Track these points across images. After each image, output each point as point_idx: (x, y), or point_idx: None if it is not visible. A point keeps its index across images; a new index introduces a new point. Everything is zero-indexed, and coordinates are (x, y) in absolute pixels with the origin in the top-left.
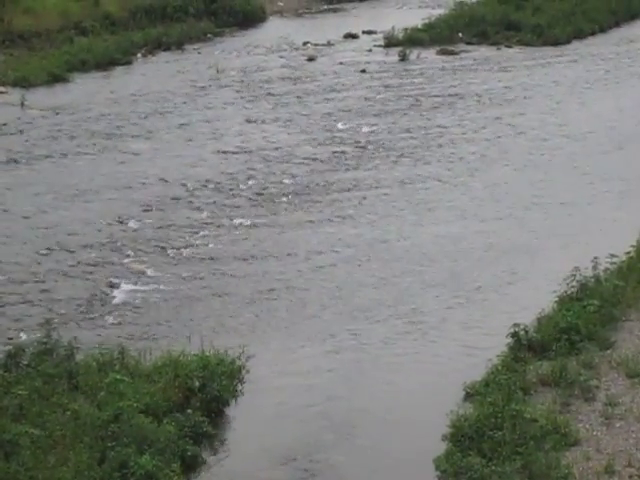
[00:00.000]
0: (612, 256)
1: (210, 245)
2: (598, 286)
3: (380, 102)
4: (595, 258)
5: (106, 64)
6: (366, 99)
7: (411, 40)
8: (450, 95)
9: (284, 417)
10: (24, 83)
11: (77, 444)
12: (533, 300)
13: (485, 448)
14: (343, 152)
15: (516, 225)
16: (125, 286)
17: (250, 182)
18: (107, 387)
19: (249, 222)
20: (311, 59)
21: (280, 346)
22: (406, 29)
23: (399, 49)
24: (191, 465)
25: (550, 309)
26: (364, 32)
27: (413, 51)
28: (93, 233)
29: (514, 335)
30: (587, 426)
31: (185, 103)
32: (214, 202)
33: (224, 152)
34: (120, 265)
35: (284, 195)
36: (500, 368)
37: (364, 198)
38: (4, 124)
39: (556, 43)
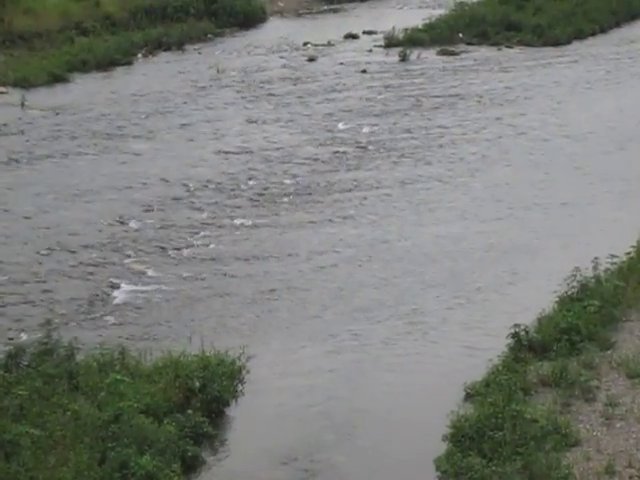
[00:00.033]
0: (612, 256)
1: (211, 245)
2: (598, 286)
3: (381, 102)
4: (595, 258)
5: (106, 64)
6: (367, 99)
7: (411, 40)
8: (451, 95)
9: (284, 417)
10: (24, 83)
11: (77, 444)
12: (534, 300)
13: (485, 448)
14: (344, 152)
15: (517, 225)
16: (126, 286)
17: (251, 182)
18: (107, 387)
19: (250, 222)
20: (311, 59)
21: (281, 346)
22: (406, 29)
23: (399, 49)
24: (191, 465)
25: (550, 309)
26: (364, 32)
27: (413, 51)
28: (94, 233)
29: (514, 335)
30: (587, 426)
31: (186, 103)
32: (215, 202)
33: (225, 152)
34: (121, 265)
35: (285, 195)
36: (500, 368)
37: (365, 198)
38: (4, 124)
39: (556, 43)
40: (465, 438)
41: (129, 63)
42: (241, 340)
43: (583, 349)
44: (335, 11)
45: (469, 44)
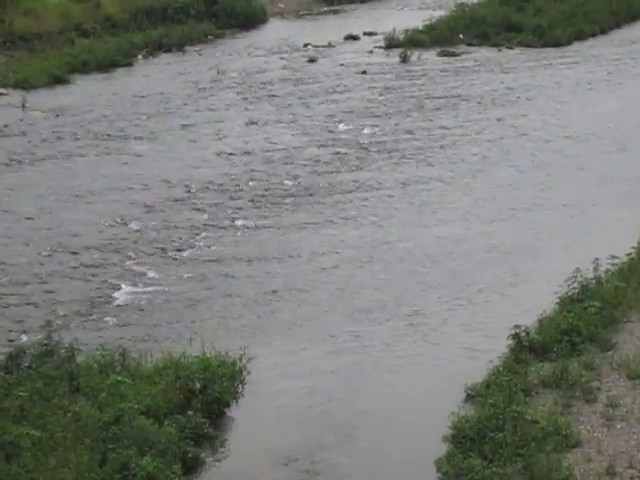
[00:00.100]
0: (613, 257)
1: (212, 247)
2: (599, 287)
3: (381, 103)
4: (596, 259)
5: (107, 66)
6: (367, 100)
7: (412, 41)
8: (452, 96)
9: (285, 418)
10: (25, 85)
11: (78, 446)
12: (535, 301)
13: (486, 449)
14: (345, 153)
15: (518, 226)
16: (126, 288)
17: (252, 183)
18: (108, 389)
19: (251, 223)
20: (312, 60)
21: (282, 347)
22: (407, 30)
23: (400, 50)
24: (192, 467)
25: (551, 310)
26: (365, 33)
27: (414, 52)
28: (95, 234)
29: (515, 336)
30: (588, 427)
31: (186, 104)
32: (216, 203)
33: (226, 153)
34: (122, 267)
35: (286, 196)
36: (501, 369)
37: (366, 199)
38: (5, 125)
39: (557, 44)
40: (466, 439)
41: (129, 64)
42: (242, 341)
43: (584, 350)
44: (335, 12)
45: (469, 45)
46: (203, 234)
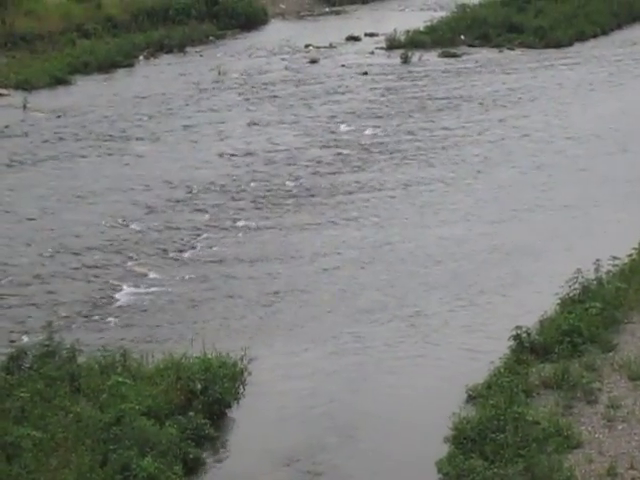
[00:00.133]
0: (614, 258)
1: (214, 247)
2: (600, 288)
3: (383, 104)
4: (597, 260)
5: (108, 66)
6: (369, 101)
7: (413, 42)
8: (453, 97)
9: (286, 419)
10: (26, 85)
11: (79, 446)
12: (536, 302)
13: (487, 450)
14: (347, 154)
15: (520, 227)
16: (128, 289)
17: (254, 184)
18: (109, 389)
19: (253, 224)
20: (313, 61)
21: (283, 348)
22: (408, 31)
23: (401, 51)
24: (193, 468)
25: (552, 311)
26: (366, 34)
27: (415, 53)
28: (96, 235)
29: (516, 337)
30: (589, 428)
31: (188, 105)
32: (218, 204)
33: (227, 154)
34: (123, 267)
35: (288, 197)
36: (502, 370)
37: (368, 200)
38: (7, 126)
39: (558, 45)
40: (467, 440)
41: (131, 65)
42: (243, 342)
43: (585, 351)
44: (336, 13)
45: (471, 46)
46: (205, 235)
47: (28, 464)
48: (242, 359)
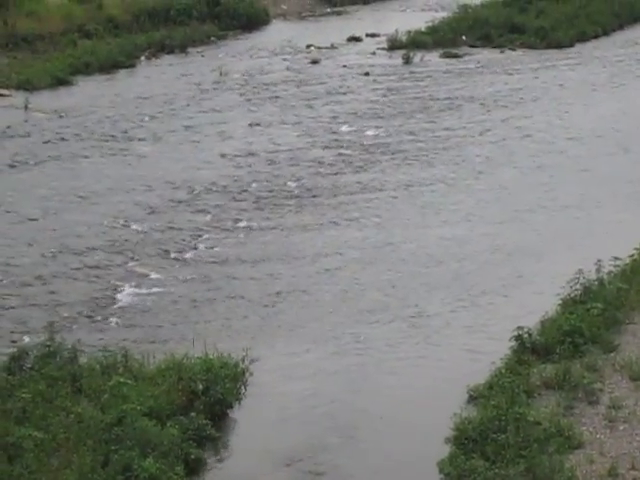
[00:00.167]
0: (616, 259)
1: (215, 248)
2: (602, 289)
3: (384, 105)
4: (599, 261)
5: (110, 67)
6: (371, 102)
7: (415, 43)
8: (455, 98)
9: (288, 420)
10: (28, 86)
11: (80, 447)
12: (538, 303)
13: (489, 451)
14: (348, 155)
15: (521, 228)
16: (129, 289)
17: (255, 185)
18: (111, 390)
19: (254, 225)
20: (315, 62)
21: (285, 349)
22: (409, 32)
23: (403, 52)
24: (194, 468)
25: (554, 312)
26: (367, 35)
27: (417, 54)
28: (98, 236)
29: (518, 338)
30: (591, 429)
31: (189, 106)
32: (219, 205)
33: (229, 155)
34: (124, 268)
35: (290, 198)
36: (504, 371)
37: (370, 201)
38: (8, 127)
39: (559, 46)
40: (468, 441)
41: (132, 66)
42: (245, 343)
43: (586, 352)
44: (338, 14)
45: (472, 47)
46: (206, 235)
47: (29, 464)
48: (243, 360)
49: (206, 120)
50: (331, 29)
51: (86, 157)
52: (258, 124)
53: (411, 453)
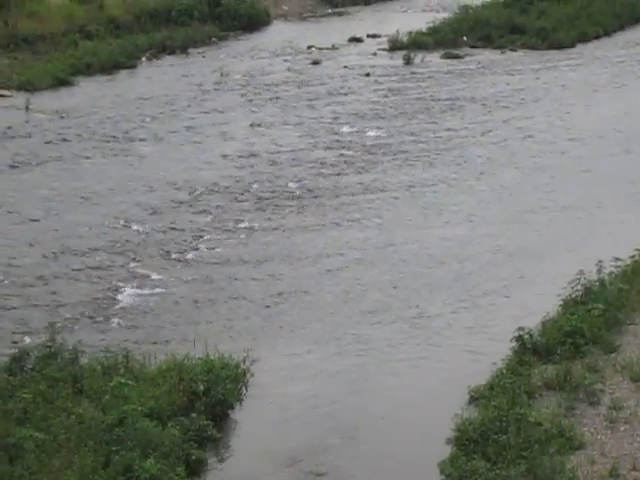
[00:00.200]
0: (617, 259)
1: (216, 249)
2: (603, 290)
3: (386, 106)
4: (600, 262)
5: (111, 68)
6: (372, 103)
7: (415, 44)
8: (456, 98)
9: (289, 420)
10: (29, 87)
11: (81, 448)
12: (539, 304)
13: (490, 452)
14: (350, 156)
15: (523, 228)
16: (130, 290)
17: (257, 185)
18: (112, 391)
19: (256, 225)
20: (316, 63)
21: (286, 350)
22: (410, 33)
23: (404, 53)
24: (196, 469)
25: (555, 313)
26: (368, 36)
27: (418, 55)
28: (99, 236)
29: (519, 339)
30: (592, 430)
31: (190, 106)
32: (221, 206)
33: (230, 155)
34: (126, 269)
35: (291, 199)
36: (505, 372)
37: (371, 201)
38: (10, 127)
39: (561, 46)
40: (469, 441)
41: (133, 66)
42: (246, 343)
43: (587, 352)
44: (339, 14)
45: (473, 47)
46: (208, 236)
47: (30, 465)
48: (245, 360)
49: (207, 121)
50: (332, 30)
51: (87, 158)
52: (259, 125)
53: (412, 454)
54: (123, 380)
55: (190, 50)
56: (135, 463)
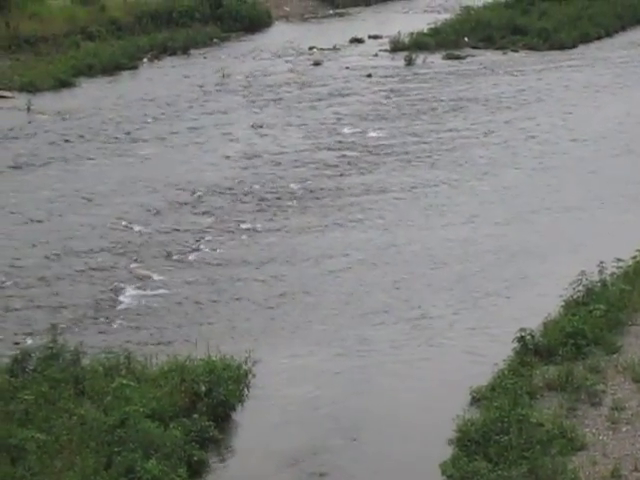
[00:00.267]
0: (618, 260)
1: (218, 250)
2: (604, 290)
3: (387, 106)
4: (601, 262)
5: (112, 69)
6: (373, 104)
7: (417, 45)
8: (458, 99)
9: (290, 421)
10: (30, 88)
11: (83, 449)
12: (541, 304)
13: (491, 452)
14: (352, 157)
15: (525, 229)
16: (132, 291)
17: (259, 186)
18: (113, 392)
19: (258, 226)
20: (317, 64)
21: (288, 351)
22: (412, 34)
23: (405, 54)
24: (197, 470)
25: (556, 313)
26: (370, 37)
27: (419, 56)
28: (101, 237)
29: (520, 340)
30: (593, 431)
31: (192, 107)
32: (222, 207)
33: (232, 157)
34: (128, 270)
35: (293, 199)
36: (506, 373)
37: (373, 202)
38: (11, 129)
39: (562, 47)
40: (471, 442)
41: (135, 67)
42: (248, 344)
43: (589, 353)
44: (340, 15)
45: (475, 48)
46: (210, 237)
47: (32, 466)
48: (246, 361)
49: (209, 122)
50: (333, 31)
51: (89, 159)
52: (261, 126)
53: (414, 455)
54: (125, 381)
55: (191, 51)
56: (137, 464)
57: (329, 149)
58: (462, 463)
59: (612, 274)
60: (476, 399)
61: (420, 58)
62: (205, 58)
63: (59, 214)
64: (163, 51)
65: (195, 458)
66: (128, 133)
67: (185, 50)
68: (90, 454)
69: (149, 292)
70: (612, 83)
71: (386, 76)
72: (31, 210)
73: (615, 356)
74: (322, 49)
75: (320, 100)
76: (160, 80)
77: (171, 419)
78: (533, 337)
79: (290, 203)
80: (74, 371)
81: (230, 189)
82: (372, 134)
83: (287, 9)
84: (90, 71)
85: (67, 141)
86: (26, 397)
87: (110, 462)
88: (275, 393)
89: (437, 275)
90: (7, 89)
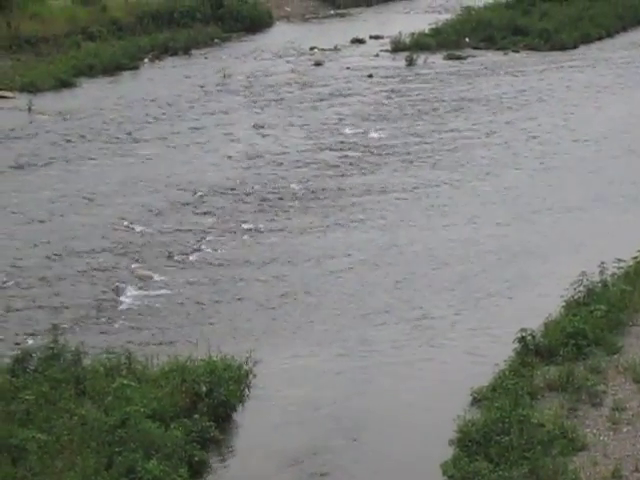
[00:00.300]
0: (619, 261)
1: (220, 250)
2: (605, 291)
3: (388, 107)
4: (602, 263)
5: (113, 69)
6: (374, 104)
7: (418, 45)
8: (459, 100)
9: (291, 422)
10: (31, 88)
11: (84, 449)
12: (542, 305)
13: (492, 453)
14: (353, 157)
15: (527, 229)
16: (133, 291)
17: (260, 187)
18: (114, 392)
19: (259, 227)
20: (318, 64)
21: (289, 351)
22: (413, 34)
23: (406, 54)
24: (198, 470)
25: (557, 314)
26: (371, 37)
27: (420, 56)
28: (103, 237)
29: (521, 340)
30: (594, 431)
31: (193, 108)
32: (224, 207)
33: (233, 157)
34: (129, 270)
35: (294, 200)
36: (507, 373)
37: (374, 203)
38: (12, 129)
39: (563, 48)
40: (472, 443)
41: (136, 68)
42: (248, 345)
43: (590, 354)
44: (341, 16)
45: (476, 49)
46: (211, 237)
47: (33, 466)
48: (247, 362)
49: (210, 122)
50: (334, 31)
51: (91, 159)
52: (262, 126)
53: (414, 455)
54: (126, 381)
55: (192, 51)
56: (138, 464)
57: (330, 149)
58: (463, 463)
59: (613, 274)
60: (477, 399)
61: (421, 58)
62: (206, 58)
63: (60, 214)
64: (164, 51)
65: (196, 458)
66: (129, 133)
67: (186, 50)
68: (91, 454)
69: (150, 292)
70: (613, 84)
71: (387, 76)
72: (32, 210)
73: (616, 357)
74: (323, 49)
75: (321, 100)
76: (161, 80)
77: (172, 419)
78: (534, 337)
79: (292, 203)
80: (75, 371)
81: (231, 189)
82: (373, 134)
83: (288, 9)
84: (91, 71)
85: (68, 141)
86: (27, 397)
87: (111, 462)
88: (276, 393)
89: (438, 275)
90: (8, 89)
